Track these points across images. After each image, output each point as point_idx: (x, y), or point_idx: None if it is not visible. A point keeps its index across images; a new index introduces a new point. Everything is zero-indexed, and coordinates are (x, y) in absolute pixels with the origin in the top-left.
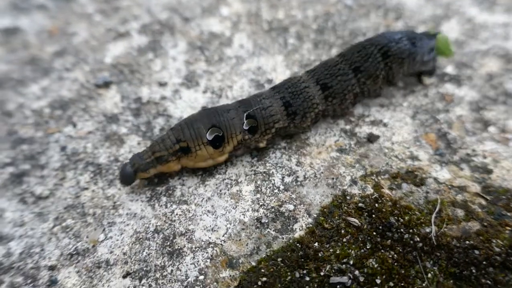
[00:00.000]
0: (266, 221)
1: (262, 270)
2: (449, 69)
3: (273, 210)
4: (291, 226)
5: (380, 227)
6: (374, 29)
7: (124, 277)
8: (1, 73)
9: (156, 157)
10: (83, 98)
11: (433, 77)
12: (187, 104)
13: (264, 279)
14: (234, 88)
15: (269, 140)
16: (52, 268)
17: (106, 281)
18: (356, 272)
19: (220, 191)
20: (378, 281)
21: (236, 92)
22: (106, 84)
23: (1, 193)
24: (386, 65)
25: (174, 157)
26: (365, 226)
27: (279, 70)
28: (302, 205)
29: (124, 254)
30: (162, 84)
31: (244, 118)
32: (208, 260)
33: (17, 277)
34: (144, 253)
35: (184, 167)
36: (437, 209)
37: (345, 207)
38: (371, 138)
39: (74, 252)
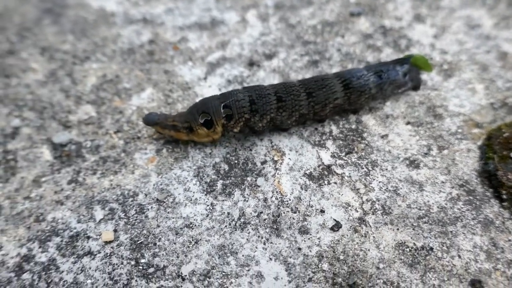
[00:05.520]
0: (496, 107)
1: (503, 130)
2: None
3: (500, 101)
4: None
5: None
6: None
7: (407, 124)
8: (277, 1)
9: (173, 124)
10: (342, 22)
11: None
12: (420, 33)
13: (506, 134)
14: (452, 28)
15: (241, 127)
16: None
17: (395, 125)
18: None
19: (460, 86)
20: None
21: (454, 30)
22: (358, 14)
23: (305, 71)
24: (345, 94)
25: (184, 130)
26: None
27: (484, 19)
28: None
29: (402, 112)
30: (398, 19)
31: (221, 108)
32: (462, 122)
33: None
34: (416, 113)
35: (191, 140)
36: None
37: None
38: None
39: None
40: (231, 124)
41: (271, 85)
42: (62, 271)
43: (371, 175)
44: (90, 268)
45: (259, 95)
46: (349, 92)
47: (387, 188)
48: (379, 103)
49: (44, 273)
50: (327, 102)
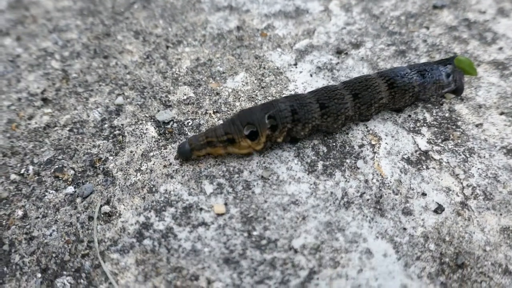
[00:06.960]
0: None
1: None
2: None
3: None
4: None
5: None
6: None
7: (500, 114)
8: None
9: (208, 141)
10: (425, 14)
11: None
12: (506, 27)
13: None
14: None
15: (284, 137)
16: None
17: (488, 115)
18: None
19: None
20: None
21: None
22: (442, 7)
23: (393, 60)
24: (390, 93)
25: (221, 144)
26: None
27: None
28: None
29: (494, 103)
30: (482, 12)
31: (266, 118)
32: None
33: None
34: (509, 104)
35: (231, 153)
36: None
37: None
38: None
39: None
40: (276, 134)
41: (311, 92)
42: (180, 239)
43: (469, 161)
44: (206, 237)
45: (301, 104)
46: (393, 91)
47: (486, 175)
48: (470, 94)
49: (163, 239)
50: (372, 102)
